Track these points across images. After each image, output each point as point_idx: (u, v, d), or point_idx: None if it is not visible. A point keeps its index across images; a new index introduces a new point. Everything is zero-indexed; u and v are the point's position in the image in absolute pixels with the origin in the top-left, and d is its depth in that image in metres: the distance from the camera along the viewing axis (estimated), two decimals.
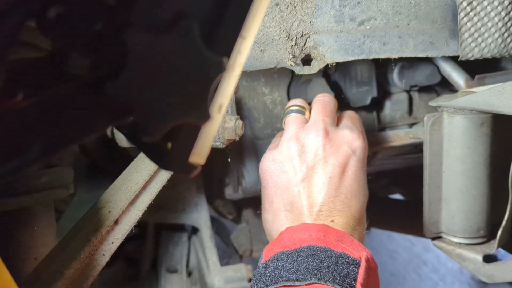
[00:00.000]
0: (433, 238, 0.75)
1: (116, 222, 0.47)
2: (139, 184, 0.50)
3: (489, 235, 0.73)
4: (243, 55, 0.32)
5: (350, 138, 0.65)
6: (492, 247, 0.70)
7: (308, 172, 0.62)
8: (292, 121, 0.68)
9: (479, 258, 0.70)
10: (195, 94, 0.28)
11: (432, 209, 0.73)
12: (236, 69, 0.32)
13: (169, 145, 0.32)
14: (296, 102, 0.70)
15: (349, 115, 0.71)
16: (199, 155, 0.32)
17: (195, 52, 0.28)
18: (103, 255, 0.45)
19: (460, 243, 0.73)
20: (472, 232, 0.72)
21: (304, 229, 0.58)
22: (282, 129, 0.79)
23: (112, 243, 0.46)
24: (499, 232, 0.67)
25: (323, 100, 0.69)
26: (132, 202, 0.49)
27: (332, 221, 0.60)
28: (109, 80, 0.26)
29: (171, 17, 0.28)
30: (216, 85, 0.30)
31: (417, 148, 0.82)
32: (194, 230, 0.91)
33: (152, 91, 0.27)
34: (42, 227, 0.54)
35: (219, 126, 0.33)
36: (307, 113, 0.69)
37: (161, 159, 0.31)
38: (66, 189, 0.53)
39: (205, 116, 0.29)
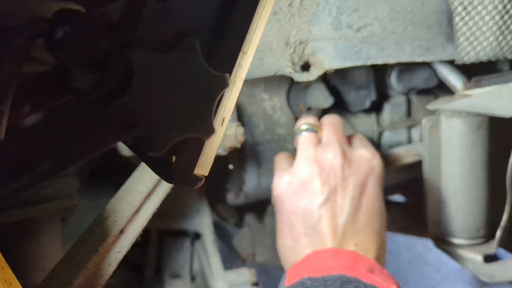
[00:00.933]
0: (434, 239, 0.76)
1: (122, 231, 0.48)
2: (143, 193, 0.51)
3: (489, 235, 0.74)
4: (244, 69, 0.33)
5: (367, 157, 0.65)
6: (492, 247, 0.71)
7: (329, 194, 0.61)
8: (306, 141, 0.67)
9: (479, 258, 0.71)
10: (199, 110, 0.29)
11: (432, 211, 0.74)
12: (237, 83, 0.33)
13: (173, 158, 0.33)
14: (308, 120, 0.69)
15: (358, 137, 0.72)
16: (203, 167, 0.33)
17: (198, 69, 0.29)
18: (110, 264, 0.46)
19: (460, 244, 0.74)
20: (471, 232, 0.73)
21: (332, 255, 0.57)
22: (281, 134, 0.81)
23: (118, 252, 0.47)
24: (498, 232, 0.68)
25: (333, 122, 0.69)
26: (137, 211, 0.50)
27: (356, 244, 0.59)
28: (116, 98, 0.27)
29: (174, 35, 0.29)
30: (219, 99, 0.31)
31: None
32: (197, 235, 0.92)
33: (158, 108, 0.28)
34: (48, 236, 0.54)
35: (222, 138, 0.34)
36: (319, 131, 0.69)
37: (165, 172, 0.32)
38: (71, 199, 0.54)
39: (209, 131, 0.30)
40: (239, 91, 0.34)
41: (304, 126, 0.69)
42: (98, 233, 0.46)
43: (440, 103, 0.71)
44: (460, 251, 0.74)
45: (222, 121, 0.33)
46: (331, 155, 0.63)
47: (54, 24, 0.30)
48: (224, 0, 0.32)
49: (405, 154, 0.82)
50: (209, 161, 0.33)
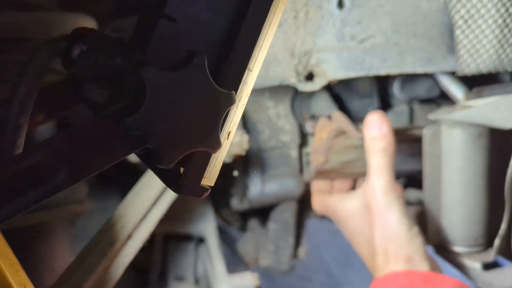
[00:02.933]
0: (434, 246, 0.78)
1: (129, 236, 0.49)
2: (150, 200, 0.53)
3: (488, 243, 0.75)
4: (250, 86, 0.35)
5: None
6: (490, 255, 0.72)
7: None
8: None
9: (478, 266, 0.73)
10: (207, 125, 0.31)
11: (432, 219, 0.76)
12: (243, 99, 0.35)
13: (181, 169, 0.35)
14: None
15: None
16: (209, 178, 0.35)
17: (206, 87, 0.30)
18: (118, 268, 0.48)
19: (460, 252, 0.75)
20: (471, 240, 0.74)
21: (391, 279, 0.62)
22: (285, 141, 0.82)
23: (125, 256, 0.49)
24: (497, 241, 0.69)
25: None
26: (144, 217, 0.52)
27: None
28: (129, 115, 0.29)
29: (184, 55, 0.30)
30: (226, 115, 0.33)
31: None
32: (201, 239, 0.94)
33: (168, 123, 0.30)
34: (59, 240, 0.56)
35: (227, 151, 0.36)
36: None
37: (174, 183, 0.34)
38: (81, 204, 0.56)
39: (217, 145, 0.32)
40: (244, 106, 0.35)
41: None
42: (107, 238, 0.48)
43: (441, 113, 0.73)
44: (460, 258, 0.75)
45: (228, 135, 0.35)
46: None
47: (70, 43, 0.32)
48: (231, 20, 0.33)
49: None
50: (215, 172, 0.35)
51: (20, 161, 0.28)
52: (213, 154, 0.33)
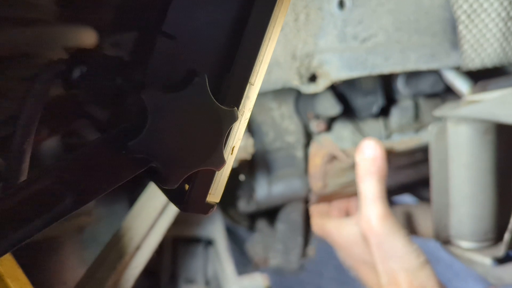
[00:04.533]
0: (443, 242, 0.77)
1: (138, 248, 0.50)
2: (157, 210, 0.53)
3: (497, 238, 0.75)
4: (252, 100, 0.35)
5: None
6: (500, 250, 0.72)
7: None
8: None
9: (488, 261, 0.72)
10: (211, 144, 0.31)
11: (440, 215, 0.75)
12: (245, 114, 0.35)
13: (186, 186, 0.34)
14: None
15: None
16: (215, 195, 0.35)
17: (208, 105, 0.30)
18: (128, 280, 0.48)
19: (469, 247, 0.75)
20: (480, 236, 0.74)
21: None
22: (290, 142, 0.82)
23: (135, 267, 0.49)
24: (506, 235, 0.68)
25: None
26: (152, 227, 0.52)
27: None
28: (132, 138, 0.29)
29: (184, 74, 0.30)
30: (229, 132, 0.33)
31: (426, 156, 0.84)
32: (210, 242, 0.94)
33: (171, 144, 0.30)
34: (68, 252, 0.57)
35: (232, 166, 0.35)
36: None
37: (179, 200, 0.34)
38: (89, 216, 0.56)
39: (220, 162, 0.32)
40: (247, 120, 0.35)
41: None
42: (116, 251, 0.48)
43: (446, 110, 0.72)
44: (469, 254, 0.74)
45: (232, 150, 0.35)
46: None
47: (70, 65, 0.32)
48: (230, 35, 0.33)
49: (410, 140, 0.84)
50: (220, 188, 0.35)
51: (26, 188, 0.28)
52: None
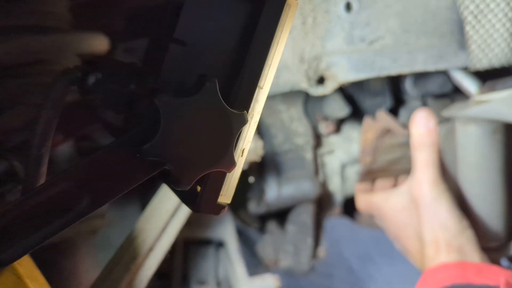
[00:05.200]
0: None
1: (151, 249, 0.51)
2: (169, 212, 0.54)
3: (508, 238, 0.75)
4: (261, 103, 0.36)
5: None
6: (511, 249, 0.72)
7: None
8: None
9: (499, 260, 0.72)
10: (221, 146, 0.32)
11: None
12: (255, 116, 0.36)
13: (198, 187, 0.35)
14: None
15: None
16: (226, 196, 0.36)
17: (219, 109, 0.31)
18: (141, 280, 0.49)
19: (487, 248, 0.75)
20: (490, 236, 0.74)
21: (443, 270, 0.63)
22: (299, 144, 0.83)
23: (148, 269, 0.50)
24: None
25: None
26: (164, 229, 0.53)
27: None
28: (145, 142, 0.30)
29: (196, 80, 0.31)
30: (239, 134, 0.34)
31: None
32: (221, 243, 0.95)
33: (183, 147, 0.31)
34: (83, 254, 0.58)
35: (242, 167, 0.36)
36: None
37: (191, 202, 0.35)
38: (102, 218, 0.57)
39: (231, 164, 0.33)
40: (257, 123, 0.36)
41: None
42: (129, 252, 0.49)
43: (455, 110, 0.72)
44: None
45: (242, 152, 0.35)
46: None
47: (86, 72, 0.33)
48: (239, 40, 0.34)
49: None
50: (231, 189, 0.36)
51: (44, 191, 0.29)
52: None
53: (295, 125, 0.82)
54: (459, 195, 0.74)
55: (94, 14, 0.63)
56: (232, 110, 0.32)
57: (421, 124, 0.73)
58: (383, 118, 0.79)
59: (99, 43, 0.57)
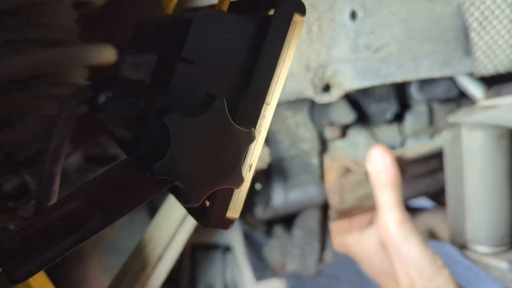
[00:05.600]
0: (460, 247, 0.78)
1: (160, 258, 0.51)
2: (177, 221, 0.55)
3: None
4: (268, 119, 0.36)
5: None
6: None
7: None
8: None
9: (504, 265, 0.73)
10: (230, 163, 0.32)
11: (456, 220, 0.76)
12: (262, 132, 0.36)
13: (207, 202, 0.36)
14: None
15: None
16: (234, 210, 0.36)
17: (227, 128, 0.32)
18: None
19: (485, 252, 0.75)
20: (496, 240, 0.74)
21: None
22: (306, 149, 0.83)
23: (157, 277, 0.51)
24: None
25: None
26: (172, 238, 0.54)
27: None
28: (156, 161, 0.30)
29: (204, 99, 0.32)
30: (247, 151, 0.34)
31: (442, 163, 0.84)
32: (228, 247, 0.96)
33: (193, 166, 0.31)
34: (92, 262, 0.59)
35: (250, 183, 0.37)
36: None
37: (201, 216, 0.36)
38: (112, 227, 0.58)
39: (239, 181, 0.33)
40: (264, 138, 0.37)
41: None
42: (139, 262, 0.50)
43: (460, 116, 0.73)
44: (486, 258, 0.75)
45: (250, 167, 0.36)
46: None
47: (96, 91, 0.34)
48: (247, 59, 0.35)
49: (423, 147, 0.84)
50: (239, 204, 0.36)
51: (57, 209, 0.30)
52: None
53: (301, 130, 0.82)
54: (464, 201, 0.74)
55: (101, 25, 0.64)
56: (240, 128, 0.32)
57: (377, 162, 0.70)
58: (340, 157, 0.78)
59: (107, 54, 0.57)
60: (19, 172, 0.41)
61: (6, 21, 0.49)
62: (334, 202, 0.80)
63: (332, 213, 0.82)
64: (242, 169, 0.34)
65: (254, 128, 0.34)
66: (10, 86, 0.49)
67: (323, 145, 0.85)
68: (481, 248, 0.75)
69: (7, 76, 0.48)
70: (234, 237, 0.93)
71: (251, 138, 0.33)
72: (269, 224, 1.03)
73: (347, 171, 0.78)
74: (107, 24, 0.63)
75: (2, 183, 0.39)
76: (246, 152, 0.34)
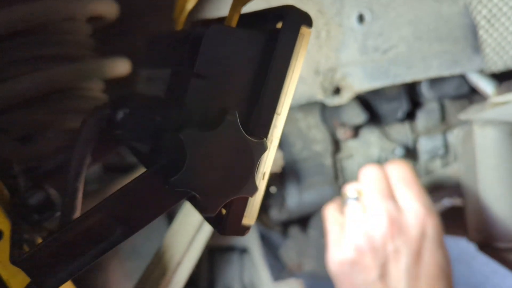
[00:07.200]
0: (478, 244, 0.78)
1: (179, 264, 0.53)
2: (194, 227, 0.56)
3: None
4: (279, 128, 0.37)
5: (417, 221, 0.61)
6: None
7: (382, 269, 0.60)
8: (352, 214, 0.66)
9: None
10: (244, 174, 0.34)
11: (473, 217, 0.76)
12: (274, 141, 0.37)
13: (223, 210, 0.37)
14: (350, 189, 0.69)
15: (400, 178, 0.67)
16: (249, 217, 0.38)
17: (240, 140, 0.33)
18: None
19: (505, 247, 0.75)
20: (510, 237, 0.74)
21: None
22: (318, 151, 0.84)
23: (177, 283, 0.52)
24: None
25: (370, 177, 0.67)
26: (190, 243, 0.56)
27: None
28: (173, 175, 0.32)
29: (217, 114, 0.33)
30: (260, 160, 0.36)
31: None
32: (245, 249, 0.97)
33: (208, 178, 0.33)
34: (114, 267, 0.61)
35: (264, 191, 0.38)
36: (361, 197, 0.67)
37: (217, 223, 0.37)
38: None
39: (254, 190, 0.34)
40: (276, 147, 0.38)
41: (348, 195, 0.69)
42: (159, 268, 0.52)
43: (472, 113, 0.73)
44: (506, 254, 0.75)
45: (263, 176, 0.37)
46: (378, 227, 0.61)
47: (114, 108, 0.35)
48: (257, 71, 0.36)
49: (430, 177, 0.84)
50: (254, 211, 0.38)
51: (81, 223, 0.32)
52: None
53: (313, 132, 0.83)
54: (479, 197, 0.75)
55: (115, 38, 0.65)
56: (252, 139, 0.34)
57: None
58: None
59: (122, 67, 0.59)
60: (42, 185, 0.43)
61: (25, 40, 0.51)
62: None
63: None
64: (256, 178, 0.35)
65: (266, 138, 0.35)
66: (31, 102, 0.52)
67: (336, 145, 0.86)
68: (501, 244, 0.75)
69: (28, 93, 0.50)
70: (250, 239, 0.94)
71: (263, 149, 0.34)
72: (285, 225, 1.04)
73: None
74: (121, 37, 0.65)
75: (28, 197, 0.41)
76: (259, 162, 0.35)
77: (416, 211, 0.62)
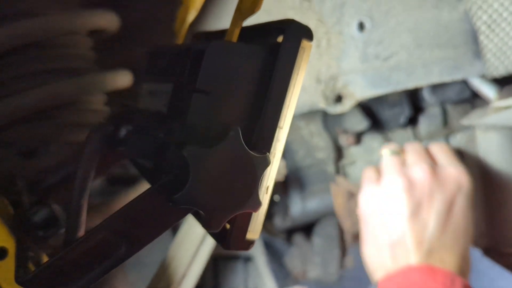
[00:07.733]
0: (483, 249, 0.78)
1: (184, 275, 0.53)
2: (198, 238, 0.56)
3: None
4: (282, 142, 0.37)
5: (455, 175, 0.64)
6: None
7: (415, 209, 0.62)
8: (392, 161, 0.69)
9: None
10: (247, 189, 0.34)
11: (478, 223, 0.76)
12: (276, 154, 0.37)
13: (227, 225, 0.37)
14: (391, 147, 0.72)
15: (442, 150, 0.71)
16: (253, 232, 0.38)
17: (243, 155, 0.33)
18: None
19: (509, 253, 0.75)
20: None
21: (428, 273, 0.58)
22: (321, 158, 0.84)
23: None
24: None
25: (416, 148, 0.70)
26: (195, 254, 0.55)
27: (442, 261, 0.60)
28: (177, 192, 0.32)
29: (219, 130, 0.33)
30: (263, 175, 0.36)
31: None
32: (249, 258, 0.97)
33: (212, 194, 0.33)
34: (119, 280, 0.61)
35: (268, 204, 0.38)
36: (403, 155, 0.70)
37: (222, 238, 0.37)
38: None
39: (257, 205, 0.34)
40: (279, 159, 0.38)
41: (388, 151, 0.71)
42: (164, 280, 0.52)
43: (474, 118, 0.73)
44: (509, 260, 0.75)
45: (267, 190, 0.37)
46: (419, 170, 0.64)
47: (117, 125, 0.35)
48: (258, 86, 0.36)
49: None
50: (258, 225, 0.37)
51: (86, 241, 0.32)
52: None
53: (315, 140, 0.83)
54: (483, 203, 0.74)
55: (116, 50, 0.66)
56: (255, 154, 0.34)
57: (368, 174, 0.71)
58: (342, 183, 0.79)
59: (124, 79, 0.60)
60: (46, 201, 0.43)
61: (27, 55, 0.52)
62: (346, 226, 0.81)
63: (347, 236, 0.83)
64: (259, 193, 0.35)
65: (269, 153, 0.35)
66: (34, 116, 0.52)
67: (339, 152, 0.86)
68: (504, 250, 0.75)
69: (30, 108, 0.50)
70: (255, 247, 0.94)
71: (266, 163, 0.34)
72: (289, 233, 1.04)
73: (352, 195, 0.79)
74: (122, 50, 0.65)
75: (33, 215, 0.41)
76: (262, 177, 0.35)
77: (455, 167, 0.65)
